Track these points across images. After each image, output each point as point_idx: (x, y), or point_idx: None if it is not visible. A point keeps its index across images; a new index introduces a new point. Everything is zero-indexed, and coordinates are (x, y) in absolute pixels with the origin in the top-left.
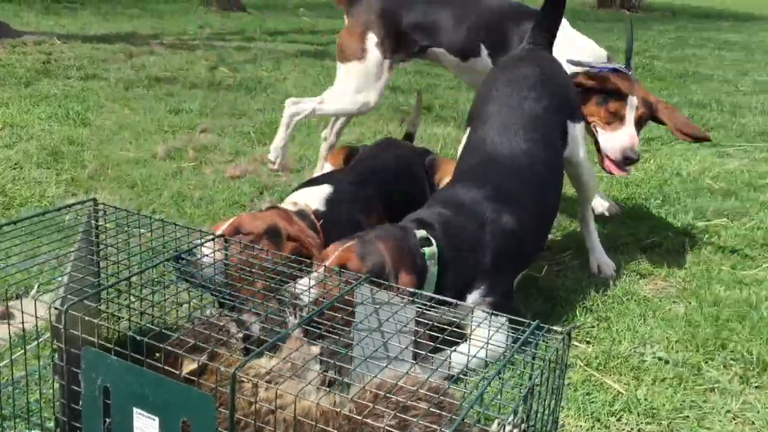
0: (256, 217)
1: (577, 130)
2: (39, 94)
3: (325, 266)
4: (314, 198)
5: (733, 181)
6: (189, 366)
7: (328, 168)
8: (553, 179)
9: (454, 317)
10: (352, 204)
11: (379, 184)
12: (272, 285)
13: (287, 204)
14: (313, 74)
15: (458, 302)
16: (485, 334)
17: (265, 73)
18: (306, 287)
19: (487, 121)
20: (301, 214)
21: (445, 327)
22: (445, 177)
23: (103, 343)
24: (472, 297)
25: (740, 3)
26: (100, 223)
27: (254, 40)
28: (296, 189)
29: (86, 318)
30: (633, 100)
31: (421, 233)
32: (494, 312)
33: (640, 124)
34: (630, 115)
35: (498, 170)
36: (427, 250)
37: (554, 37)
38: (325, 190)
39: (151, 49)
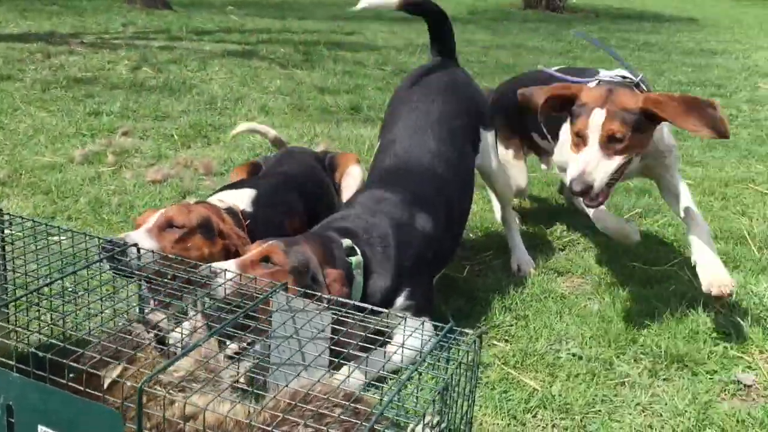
0: (189, 210)
1: (488, 137)
2: None
3: (247, 258)
4: (240, 198)
5: (647, 180)
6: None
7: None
8: (463, 181)
9: (374, 323)
10: (275, 206)
11: (297, 187)
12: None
13: (214, 201)
14: (240, 75)
15: (378, 309)
16: (401, 339)
17: (191, 74)
18: (221, 281)
19: (396, 125)
20: (230, 211)
21: (366, 334)
22: (345, 171)
23: (4, 360)
24: (398, 302)
25: (659, 4)
26: (6, 233)
27: (180, 40)
28: (215, 193)
29: None
30: (596, 115)
31: (346, 242)
32: (414, 316)
33: (616, 141)
34: (593, 135)
35: (410, 173)
36: (353, 259)
37: (453, 47)
38: (250, 192)
39: (71, 48)
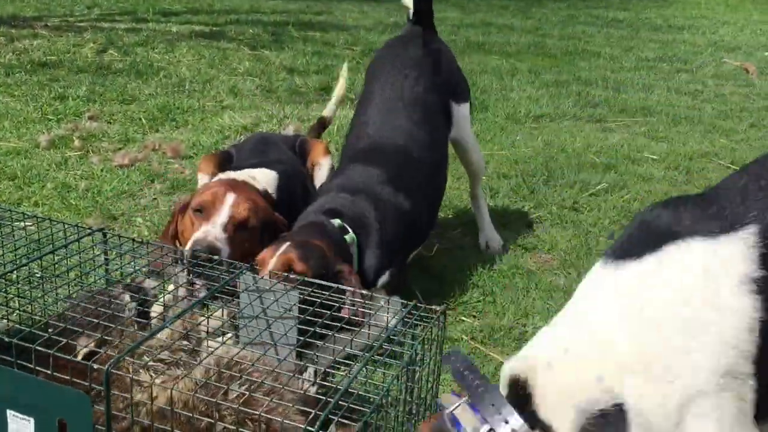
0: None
1: (462, 110)
2: None
3: (270, 272)
4: (267, 180)
5: (613, 155)
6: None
7: (202, 179)
8: (437, 158)
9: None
10: (293, 193)
11: (296, 175)
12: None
13: (244, 176)
14: (209, 56)
15: (343, 287)
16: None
17: (158, 56)
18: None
19: (369, 104)
20: (265, 193)
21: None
22: (317, 159)
23: None
24: (383, 279)
25: None
26: None
27: (146, 21)
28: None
29: None
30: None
31: (337, 222)
32: (389, 294)
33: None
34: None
35: (384, 153)
36: (347, 237)
37: (431, 14)
38: (274, 174)
39: (35, 31)
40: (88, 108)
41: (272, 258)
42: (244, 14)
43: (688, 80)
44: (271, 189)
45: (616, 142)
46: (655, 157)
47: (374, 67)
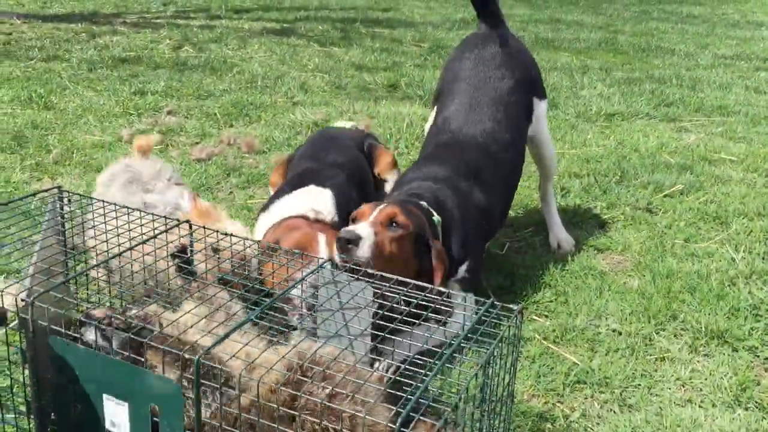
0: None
1: (542, 107)
2: (1, 76)
3: (372, 220)
4: (323, 205)
5: (689, 156)
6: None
7: (288, 199)
8: (515, 156)
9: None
10: (349, 204)
11: (351, 177)
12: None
13: (308, 213)
14: (279, 53)
15: (421, 284)
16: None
17: (231, 53)
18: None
19: (454, 100)
20: (327, 224)
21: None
22: (384, 173)
23: (69, 333)
24: (460, 271)
25: None
26: (66, 210)
27: (219, 18)
28: (277, 199)
29: (52, 309)
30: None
31: (424, 204)
32: (466, 289)
33: None
34: None
35: (466, 148)
36: (435, 218)
37: (500, 12)
38: (328, 194)
39: (114, 28)
40: (166, 103)
41: (373, 211)
42: (313, 11)
43: None
44: (330, 213)
45: (691, 142)
46: (733, 158)
47: (454, 64)
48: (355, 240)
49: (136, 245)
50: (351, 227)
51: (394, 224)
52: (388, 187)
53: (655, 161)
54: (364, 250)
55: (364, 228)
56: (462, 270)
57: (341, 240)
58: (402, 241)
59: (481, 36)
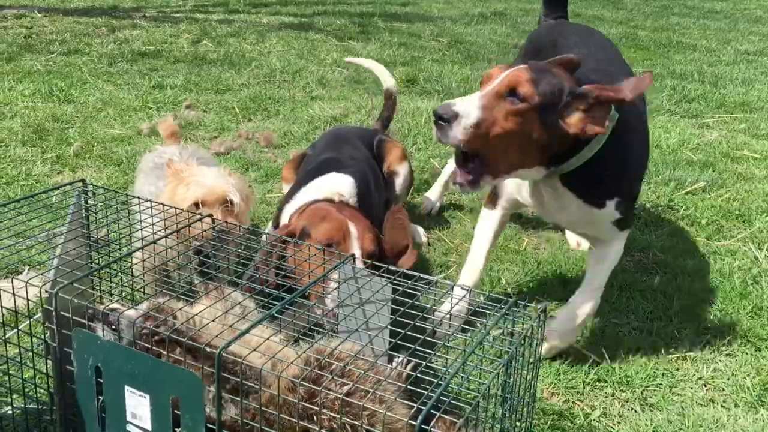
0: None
1: None
2: (21, 70)
3: (492, 88)
4: (345, 188)
5: (711, 153)
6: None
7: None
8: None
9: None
10: (371, 195)
11: (370, 169)
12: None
13: (331, 195)
14: (298, 47)
15: (427, 277)
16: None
17: (249, 47)
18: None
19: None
20: (348, 205)
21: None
22: (394, 166)
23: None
24: (608, 205)
25: None
26: (90, 203)
27: (238, 12)
28: (291, 194)
29: (76, 301)
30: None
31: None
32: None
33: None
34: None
35: None
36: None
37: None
38: (350, 180)
39: (134, 22)
40: (185, 97)
41: (501, 73)
42: (331, 5)
43: None
44: (349, 196)
45: (713, 138)
46: (756, 155)
47: (568, 34)
48: (449, 117)
49: (159, 239)
50: (453, 100)
51: (514, 95)
52: (398, 181)
53: (677, 158)
54: (457, 131)
55: (469, 103)
56: (611, 204)
57: (436, 114)
58: (521, 116)
59: (572, 24)
